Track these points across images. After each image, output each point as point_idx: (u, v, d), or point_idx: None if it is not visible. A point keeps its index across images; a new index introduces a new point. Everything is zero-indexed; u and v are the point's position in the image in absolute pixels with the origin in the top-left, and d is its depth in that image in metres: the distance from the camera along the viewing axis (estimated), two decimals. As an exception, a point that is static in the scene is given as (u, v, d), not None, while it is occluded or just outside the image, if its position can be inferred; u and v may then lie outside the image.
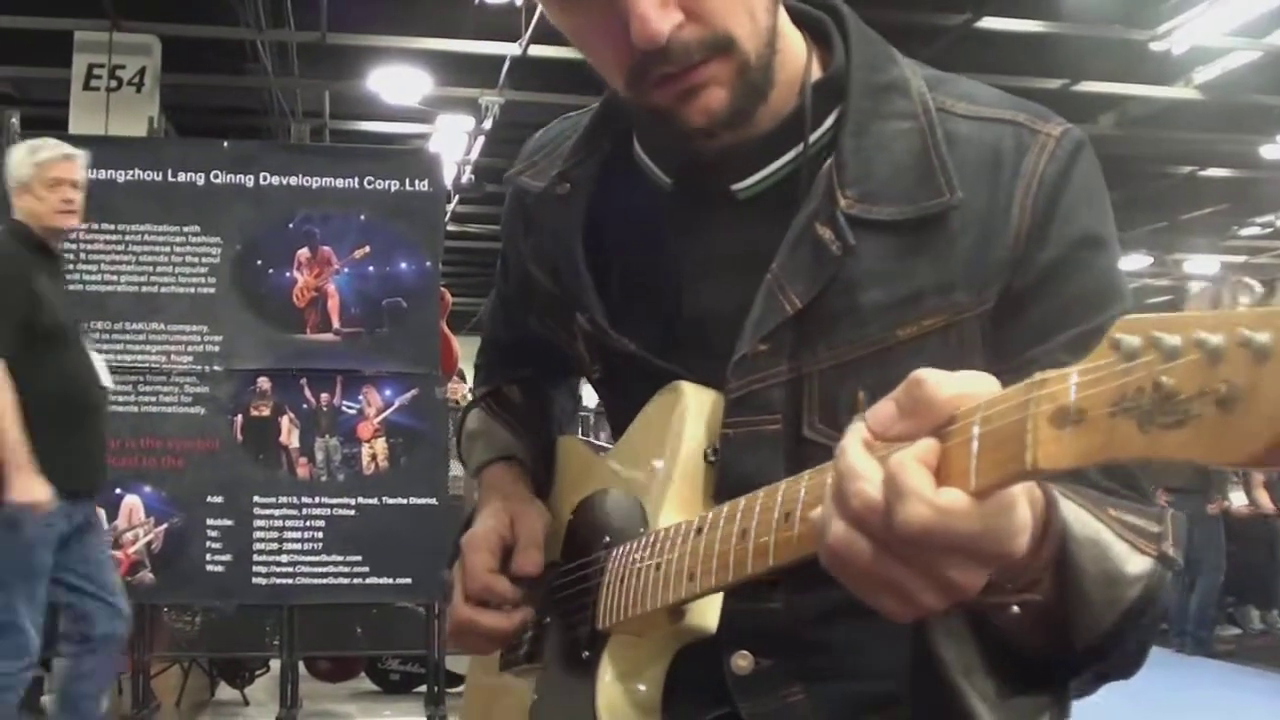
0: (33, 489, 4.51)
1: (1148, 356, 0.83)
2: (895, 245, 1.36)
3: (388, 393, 6.01)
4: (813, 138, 1.42)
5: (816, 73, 1.45)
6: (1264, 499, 10.81)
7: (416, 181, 6.09)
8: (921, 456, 0.98)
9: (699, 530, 1.26)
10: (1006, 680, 1.19)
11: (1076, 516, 1.12)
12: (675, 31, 1.28)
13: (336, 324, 5.99)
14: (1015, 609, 1.12)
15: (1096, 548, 1.14)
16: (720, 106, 1.34)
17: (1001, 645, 1.17)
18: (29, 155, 4.81)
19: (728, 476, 1.38)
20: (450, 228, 14.23)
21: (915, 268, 1.35)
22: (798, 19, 1.49)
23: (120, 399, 5.80)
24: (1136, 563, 1.17)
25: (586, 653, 1.45)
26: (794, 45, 1.45)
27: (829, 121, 1.43)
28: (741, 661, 1.38)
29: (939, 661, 1.16)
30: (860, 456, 1.01)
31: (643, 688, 1.40)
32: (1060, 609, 1.14)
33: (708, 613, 1.35)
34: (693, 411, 1.42)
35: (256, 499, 5.92)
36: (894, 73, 1.43)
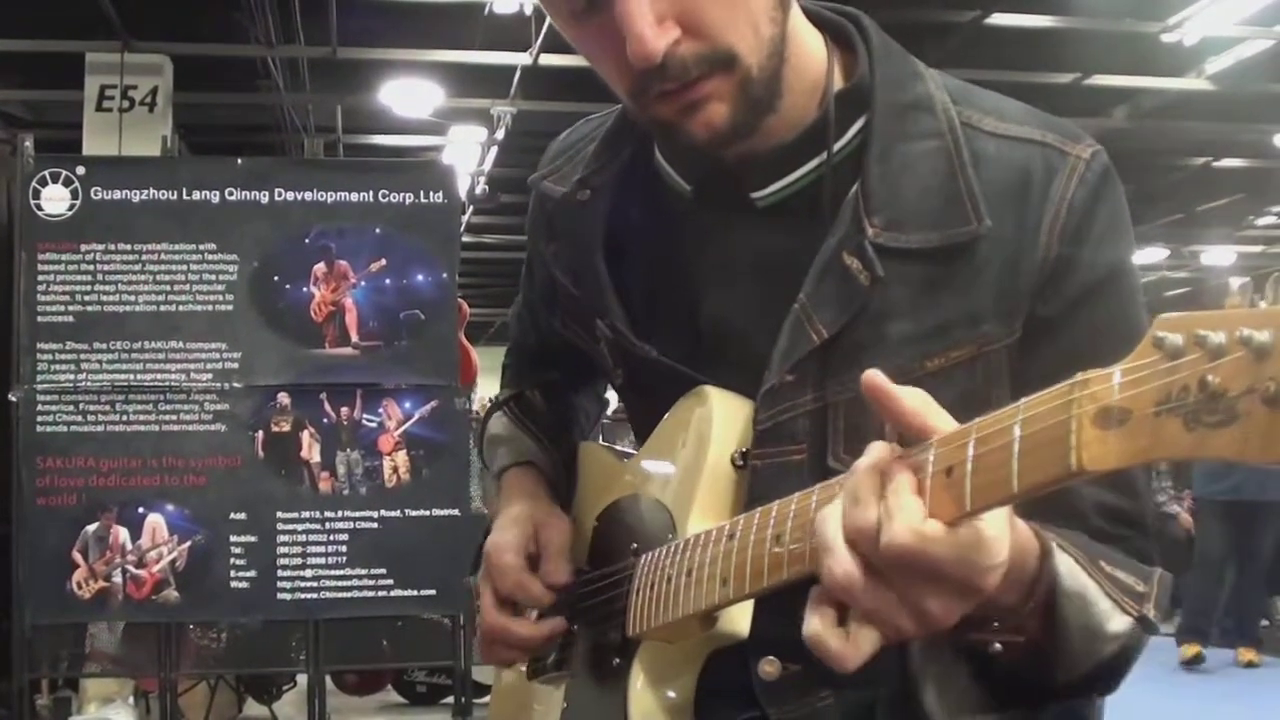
0: None
1: (1192, 354, 0.82)
2: (922, 274, 1.35)
3: (407, 405, 6.01)
4: (835, 146, 1.41)
5: (839, 81, 1.44)
6: None
7: (431, 193, 6.09)
8: (912, 485, 1.02)
9: (731, 536, 1.25)
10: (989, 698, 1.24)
11: (1069, 569, 1.16)
12: (672, 48, 1.27)
13: (355, 338, 5.98)
14: (998, 647, 1.16)
15: (1082, 601, 1.17)
16: (721, 121, 1.33)
17: (986, 661, 1.20)
18: None
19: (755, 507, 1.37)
20: (466, 239, 14.23)
21: (943, 298, 1.35)
22: (818, 21, 1.47)
23: (141, 418, 5.82)
24: (1117, 621, 1.21)
25: (617, 660, 1.44)
26: (812, 49, 1.43)
27: (852, 131, 1.41)
28: (769, 668, 1.37)
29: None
30: (865, 479, 1.05)
31: (674, 693, 1.40)
32: (1046, 649, 1.18)
33: (740, 618, 1.34)
34: (718, 416, 1.41)
35: (279, 514, 5.91)
36: (918, 89, 1.42)
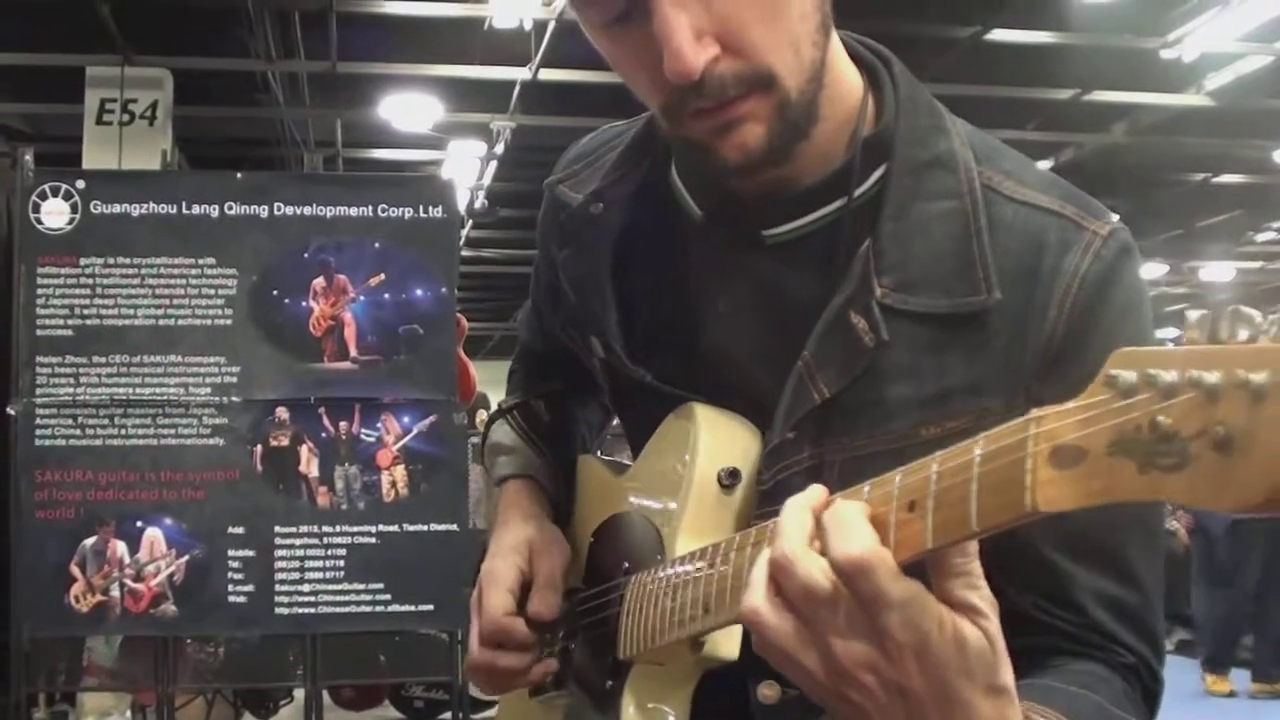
0: None
1: (1145, 394, 0.80)
2: (928, 338, 1.32)
3: (406, 420, 6.00)
4: (856, 192, 1.38)
5: (869, 124, 1.40)
6: None
7: (430, 208, 6.08)
8: (862, 511, 1.01)
9: (712, 560, 1.24)
10: None
11: None
12: (711, 65, 1.23)
13: (353, 352, 5.97)
14: None
15: None
16: (757, 143, 1.29)
17: None
18: None
19: None
20: (465, 253, 14.25)
21: (946, 364, 1.31)
22: (853, 56, 1.44)
23: (139, 432, 5.81)
24: None
25: (610, 682, 1.44)
26: (849, 82, 1.41)
27: (871, 180, 1.38)
28: (768, 691, 1.36)
29: None
30: (793, 516, 1.04)
31: (669, 717, 1.39)
32: None
33: (728, 642, 1.33)
34: (705, 434, 1.40)
35: (277, 529, 5.90)
36: (940, 146, 1.38)
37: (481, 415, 8.22)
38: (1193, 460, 0.77)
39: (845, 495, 1.05)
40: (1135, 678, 1.30)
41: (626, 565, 1.48)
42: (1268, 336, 0.77)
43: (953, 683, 0.98)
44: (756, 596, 1.03)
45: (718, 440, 1.40)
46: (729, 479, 1.38)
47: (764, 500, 1.37)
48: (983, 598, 0.99)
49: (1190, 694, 9.63)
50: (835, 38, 1.38)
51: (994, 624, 1.00)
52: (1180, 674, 9.81)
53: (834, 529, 0.99)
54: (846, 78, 1.40)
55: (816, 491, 1.06)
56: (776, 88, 1.27)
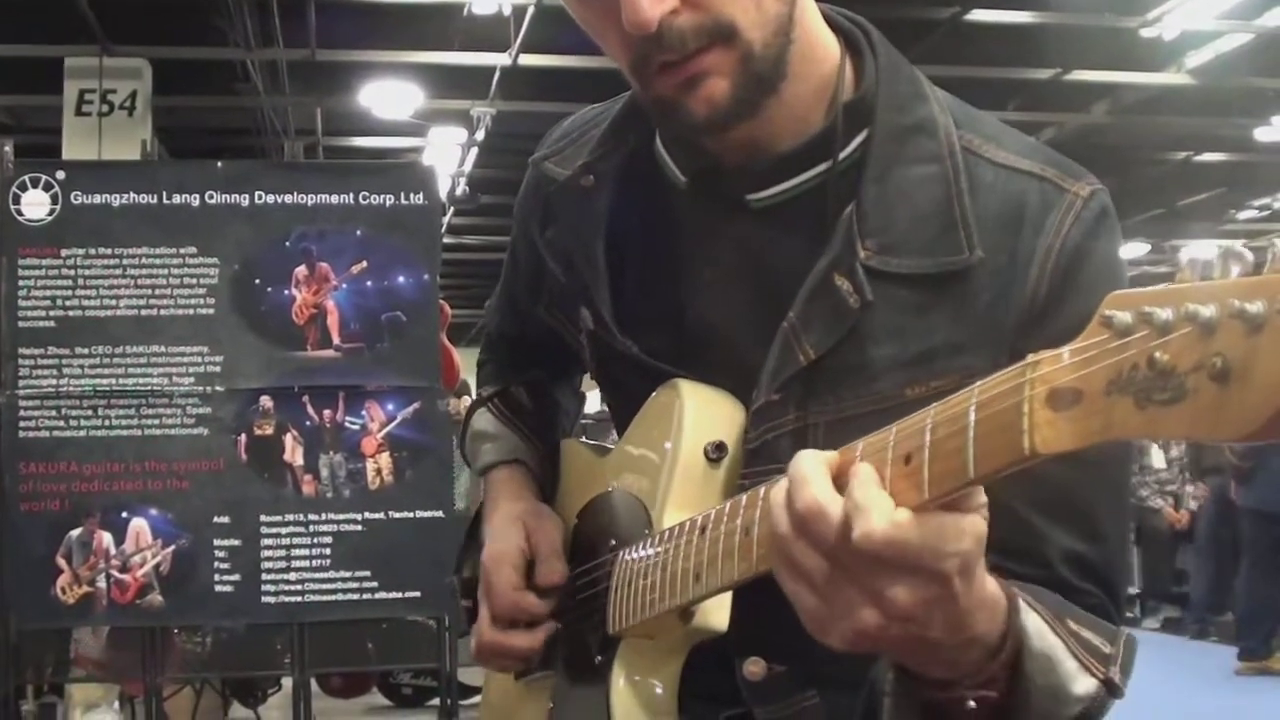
0: None
1: (1141, 332, 0.81)
2: (912, 299, 1.33)
3: (390, 407, 5.99)
4: (840, 156, 1.39)
5: (849, 90, 1.41)
6: None
7: (412, 195, 6.07)
8: (875, 479, 1.00)
9: (702, 529, 1.25)
10: None
11: (1036, 628, 1.13)
12: (669, 18, 1.26)
13: (337, 340, 5.97)
14: (971, 704, 1.12)
15: (1048, 661, 1.14)
16: (723, 97, 1.31)
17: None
18: None
19: None
20: (446, 240, 14.24)
21: (930, 324, 1.33)
22: (832, 25, 1.44)
23: (123, 422, 5.80)
24: (1082, 683, 1.17)
25: (599, 658, 1.44)
26: (824, 45, 1.42)
27: (853, 145, 1.39)
28: (754, 667, 1.37)
29: None
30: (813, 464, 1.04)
31: (658, 690, 1.40)
32: (1009, 709, 1.14)
33: (718, 612, 1.34)
34: (690, 409, 1.41)
35: (263, 518, 5.89)
36: (921, 112, 1.39)
37: (464, 401, 8.21)
38: (1190, 394, 0.78)
39: (841, 451, 1.06)
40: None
41: (613, 542, 1.48)
42: (1266, 267, 0.78)
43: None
44: (783, 524, 1.04)
45: (703, 414, 1.41)
46: (715, 452, 1.39)
47: (750, 459, 1.38)
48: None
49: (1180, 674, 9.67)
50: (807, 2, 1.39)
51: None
52: (1164, 650, 9.87)
53: (853, 511, 0.99)
54: (822, 40, 1.42)
55: (824, 454, 1.07)
56: (738, 40, 1.29)
